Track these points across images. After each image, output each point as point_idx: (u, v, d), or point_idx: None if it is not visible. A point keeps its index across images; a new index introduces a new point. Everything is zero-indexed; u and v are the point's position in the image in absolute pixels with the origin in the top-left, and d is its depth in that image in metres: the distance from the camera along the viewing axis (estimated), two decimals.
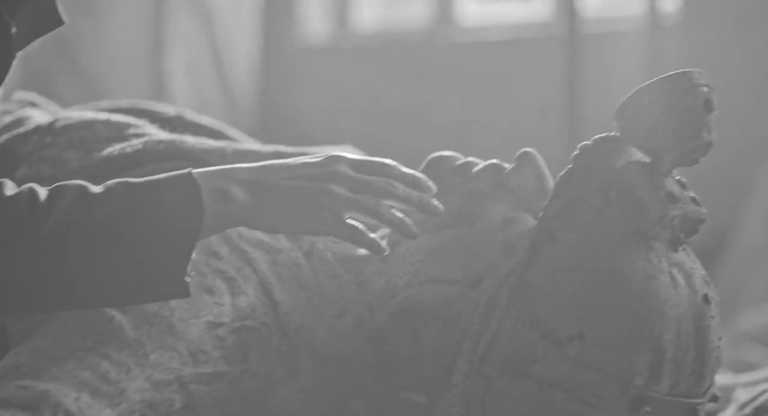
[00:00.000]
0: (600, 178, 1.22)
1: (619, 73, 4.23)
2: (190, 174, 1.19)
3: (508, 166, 1.36)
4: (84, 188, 1.17)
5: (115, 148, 1.41)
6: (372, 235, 1.25)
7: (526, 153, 1.35)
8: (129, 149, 1.41)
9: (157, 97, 5.21)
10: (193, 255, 1.27)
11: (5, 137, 1.44)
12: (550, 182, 1.35)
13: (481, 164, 1.37)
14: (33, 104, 1.65)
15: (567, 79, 4.26)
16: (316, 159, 1.24)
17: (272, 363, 1.32)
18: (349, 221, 1.23)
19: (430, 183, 1.28)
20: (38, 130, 1.43)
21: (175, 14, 5.30)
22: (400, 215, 1.26)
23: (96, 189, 1.17)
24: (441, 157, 1.39)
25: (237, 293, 1.31)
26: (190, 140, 1.45)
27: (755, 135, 3.91)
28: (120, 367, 1.19)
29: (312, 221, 1.21)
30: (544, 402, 1.18)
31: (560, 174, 1.24)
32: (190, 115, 1.66)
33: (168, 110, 1.66)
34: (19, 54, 1.26)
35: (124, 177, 1.41)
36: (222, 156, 1.45)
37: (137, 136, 1.46)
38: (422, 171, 1.38)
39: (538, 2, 4.79)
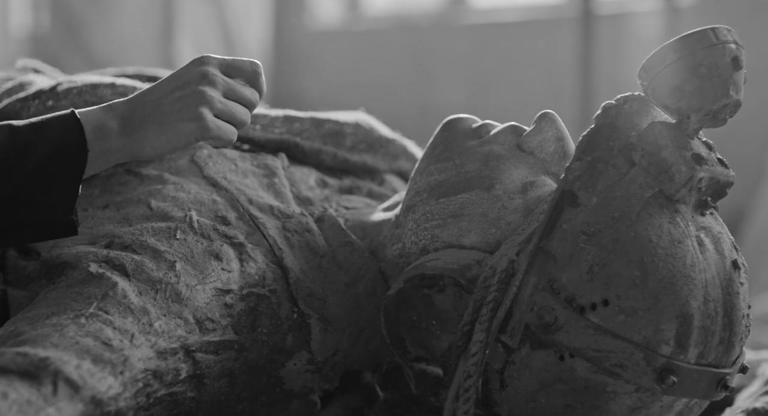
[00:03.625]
0: (623, 139, 1.16)
1: (633, 55, 4.17)
2: (72, 113, 1.18)
3: (527, 128, 1.31)
4: None
5: None
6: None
7: (546, 115, 1.30)
8: None
9: None
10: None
11: (6, 101, 1.40)
12: (572, 145, 1.29)
13: (500, 126, 1.32)
14: (36, 71, 1.61)
15: (580, 61, 4.20)
16: (183, 67, 1.22)
17: (282, 332, 1.27)
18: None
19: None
20: (40, 94, 1.39)
21: None
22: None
23: None
24: (458, 119, 1.34)
25: (246, 260, 1.27)
26: None
27: None
28: (124, 334, 1.14)
29: (195, 127, 1.19)
30: (566, 372, 1.12)
31: (582, 134, 1.17)
32: None
33: None
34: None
35: None
36: None
37: None
38: (438, 133, 1.33)
39: None
